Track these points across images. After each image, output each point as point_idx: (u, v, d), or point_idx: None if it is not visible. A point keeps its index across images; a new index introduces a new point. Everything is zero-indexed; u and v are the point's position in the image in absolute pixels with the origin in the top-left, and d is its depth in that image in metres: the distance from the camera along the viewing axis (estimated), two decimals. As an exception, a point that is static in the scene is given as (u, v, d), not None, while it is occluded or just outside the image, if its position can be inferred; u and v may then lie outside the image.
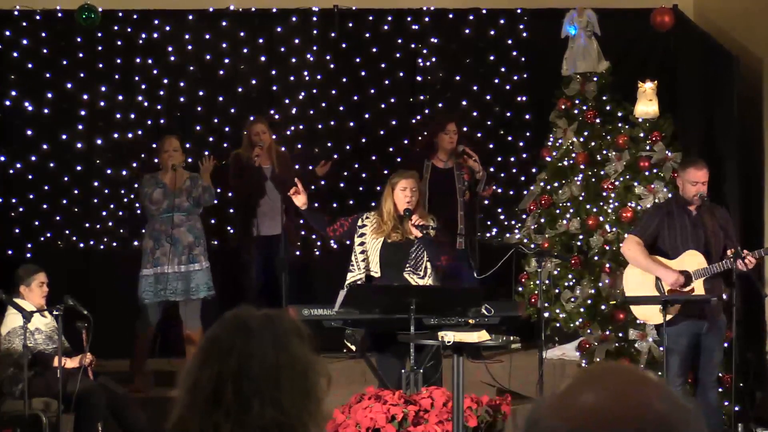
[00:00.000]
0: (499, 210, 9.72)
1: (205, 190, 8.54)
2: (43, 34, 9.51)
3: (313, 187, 8.87)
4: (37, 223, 9.46)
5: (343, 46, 9.79)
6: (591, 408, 1.30)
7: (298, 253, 9.51)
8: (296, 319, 2.06)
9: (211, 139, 9.59)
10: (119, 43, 9.61)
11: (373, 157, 9.66)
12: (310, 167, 9.23)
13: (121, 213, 9.47)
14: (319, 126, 9.78)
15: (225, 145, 9.62)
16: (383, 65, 9.80)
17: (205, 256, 8.57)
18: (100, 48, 9.55)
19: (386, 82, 9.80)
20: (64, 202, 9.51)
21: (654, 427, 1.29)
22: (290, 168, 9.04)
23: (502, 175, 9.64)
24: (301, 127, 9.72)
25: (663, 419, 1.30)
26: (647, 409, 1.30)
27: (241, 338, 2.02)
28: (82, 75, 9.54)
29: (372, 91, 9.80)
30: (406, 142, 9.73)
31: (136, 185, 9.21)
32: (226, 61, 9.69)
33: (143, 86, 9.59)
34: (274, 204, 8.76)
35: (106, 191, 9.48)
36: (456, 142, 8.79)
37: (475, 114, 9.83)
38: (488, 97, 9.86)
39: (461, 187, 8.72)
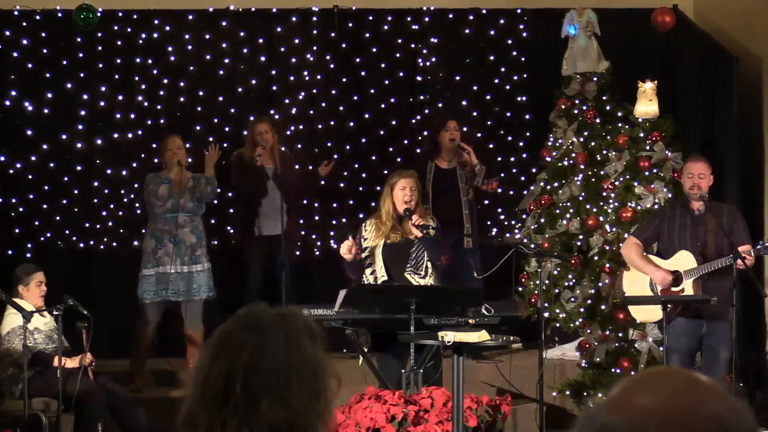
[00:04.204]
0: (499, 210, 9.71)
1: (209, 182, 8.51)
2: (43, 34, 9.50)
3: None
4: (37, 223, 9.45)
5: (343, 46, 9.79)
6: (645, 407, 1.36)
7: (298, 252, 9.50)
8: (310, 318, 2.05)
9: (210, 139, 9.55)
10: (119, 43, 9.60)
11: (373, 157, 9.65)
12: (310, 167, 9.22)
13: (121, 213, 9.46)
14: (319, 126, 9.78)
15: (225, 145, 9.60)
16: (383, 65, 9.79)
17: (207, 257, 8.58)
18: (100, 48, 9.55)
19: (386, 82, 9.79)
20: (64, 202, 9.50)
21: (706, 427, 1.34)
22: (292, 168, 9.03)
23: (502, 175, 9.62)
24: (301, 127, 9.72)
25: (715, 419, 1.35)
26: (699, 408, 1.35)
27: (253, 335, 2.02)
28: (82, 75, 9.53)
29: (372, 91, 9.79)
30: (406, 142, 9.73)
31: (136, 185, 9.21)
32: (226, 61, 9.68)
33: (143, 86, 9.58)
34: (275, 204, 8.74)
35: (106, 191, 9.47)
36: (457, 139, 8.80)
37: (475, 114, 9.82)
38: (488, 97, 9.86)
39: (465, 186, 8.73)
